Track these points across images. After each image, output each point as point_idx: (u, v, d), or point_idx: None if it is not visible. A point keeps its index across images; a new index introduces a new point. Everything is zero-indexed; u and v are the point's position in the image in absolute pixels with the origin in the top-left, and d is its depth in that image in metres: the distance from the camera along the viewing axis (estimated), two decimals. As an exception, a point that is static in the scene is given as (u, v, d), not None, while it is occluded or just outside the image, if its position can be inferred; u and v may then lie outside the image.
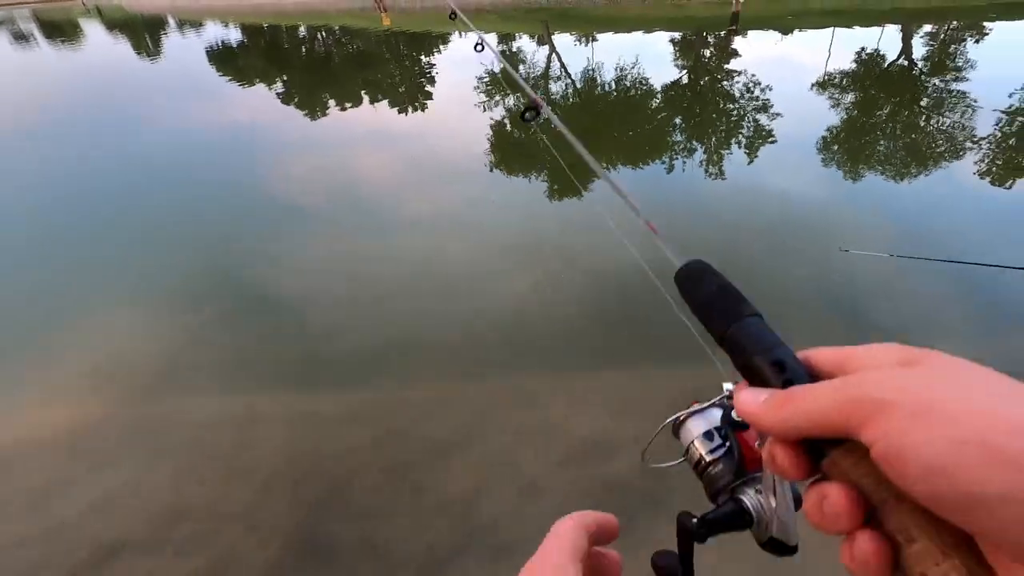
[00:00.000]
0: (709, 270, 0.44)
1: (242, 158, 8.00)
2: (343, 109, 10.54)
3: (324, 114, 10.32)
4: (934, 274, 3.97)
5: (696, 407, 0.51)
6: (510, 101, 10.66)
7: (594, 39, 16.59)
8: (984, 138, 6.99)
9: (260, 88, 12.63)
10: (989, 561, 0.25)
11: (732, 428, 0.47)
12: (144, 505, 2.66)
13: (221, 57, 17.63)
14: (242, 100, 11.74)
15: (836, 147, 7.33)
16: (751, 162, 7.02)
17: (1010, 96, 8.42)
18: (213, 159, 7.95)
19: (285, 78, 13.82)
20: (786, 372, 0.35)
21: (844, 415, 0.28)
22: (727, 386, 0.48)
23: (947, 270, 3.86)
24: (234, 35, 22.45)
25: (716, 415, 0.50)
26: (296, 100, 11.61)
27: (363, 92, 11.94)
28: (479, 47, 2.48)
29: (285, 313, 4.13)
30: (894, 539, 0.28)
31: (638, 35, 16.68)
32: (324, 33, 21.64)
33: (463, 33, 19.18)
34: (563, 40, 16.76)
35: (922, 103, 9.07)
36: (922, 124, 7.99)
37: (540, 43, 16.62)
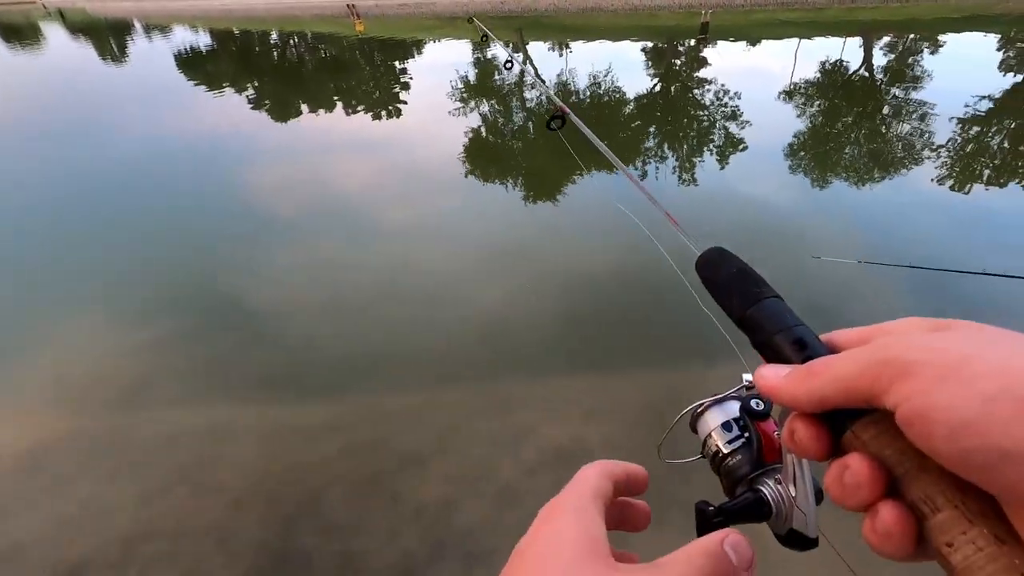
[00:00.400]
0: (728, 255, 0.45)
1: (214, 167, 7.84)
2: (317, 115, 10.44)
3: (298, 121, 10.20)
4: (901, 279, 4.12)
5: (713, 398, 0.50)
6: (484, 108, 10.70)
7: (568, 48, 16.78)
8: (943, 145, 7.27)
9: (231, 94, 12.41)
10: (1014, 525, 0.25)
11: (751, 417, 0.46)
12: (108, 522, 2.57)
13: (190, 63, 17.28)
14: (213, 107, 11.52)
15: (803, 154, 7.54)
16: (722, 168, 7.17)
17: (966, 107, 8.79)
18: (184, 168, 7.77)
19: (256, 84, 13.62)
20: (807, 349, 0.34)
21: (869, 379, 0.27)
22: (746, 377, 0.48)
23: (913, 275, 4.00)
24: (203, 40, 22.04)
25: (734, 407, 0.48)
26: (268, 107, 11.45)
27: (337, 99, 11.84)
28: (509, 64, 2.55)
29: (258, 323, 4.05)
30: (918, 509, 0.28)
31: (610, 44, 16.92)
32: (296, 39, 21.41)
33: (437, 39, 19.21)
34: (537, 48, 16.91)
35: (884, 112, 9.40)
36: (885, 131, 8.27)
37: (514, 51, 16.73)
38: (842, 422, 0.31)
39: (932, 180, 6.30)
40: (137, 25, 29.62)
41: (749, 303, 0.39)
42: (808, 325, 0.37)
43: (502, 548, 2.38)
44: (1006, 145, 7.47)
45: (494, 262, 4.81)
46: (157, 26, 28.31)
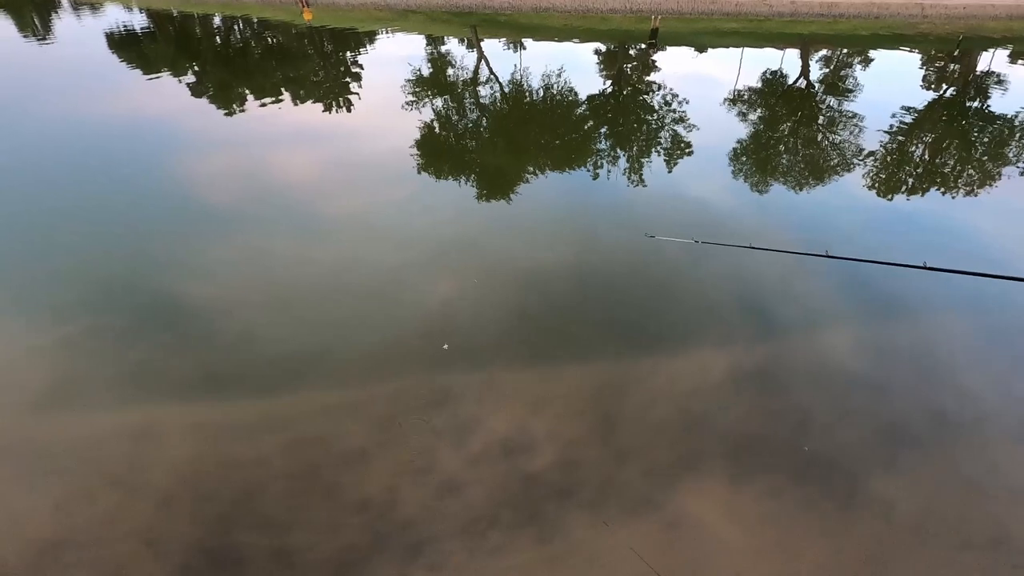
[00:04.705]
0: None
1: (150, 155, 7.43)
2: (262, 105, 10.06)
3: (242, 109, 9.79)
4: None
5: None
6: (438, 103, 10.60)
7: (522, 46, 16.84)
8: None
9: (168, 79, 11.79)
10: None
11: None
12: (24, 530, 2.41)
13: (124, 43, 16.29)
14: (149, 92, 10.90)
15: (745, 159, 7.87)
16: (670, 171, 7.38)
17: (892, 116, 9.40)
18: (117, 156, 7.32)
19: (197, 69, 12.99)
20: None
21: None
22: None
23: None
24: (139, 20, 20.81)
25: None
26: (210, 94, 10.94)
27: (283, 88, 11.44)
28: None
29: (195, 320, 3.88)
30: None
31: (564, 44, 17.10)
32: (241, 24, 20.55)
33: (390, 31, 18.87)
34: (492, 45, 16.88)
35: (819, 121, 9.93)
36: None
37: (469, 47, 16.65)
38: None
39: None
40: (64, 1, 27.64)
41: None
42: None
43: (443, 538, 2.39)
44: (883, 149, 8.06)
45: (443, 257, 4.78)
46: (87, 3, 26.52)
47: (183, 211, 5.65)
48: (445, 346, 3.53)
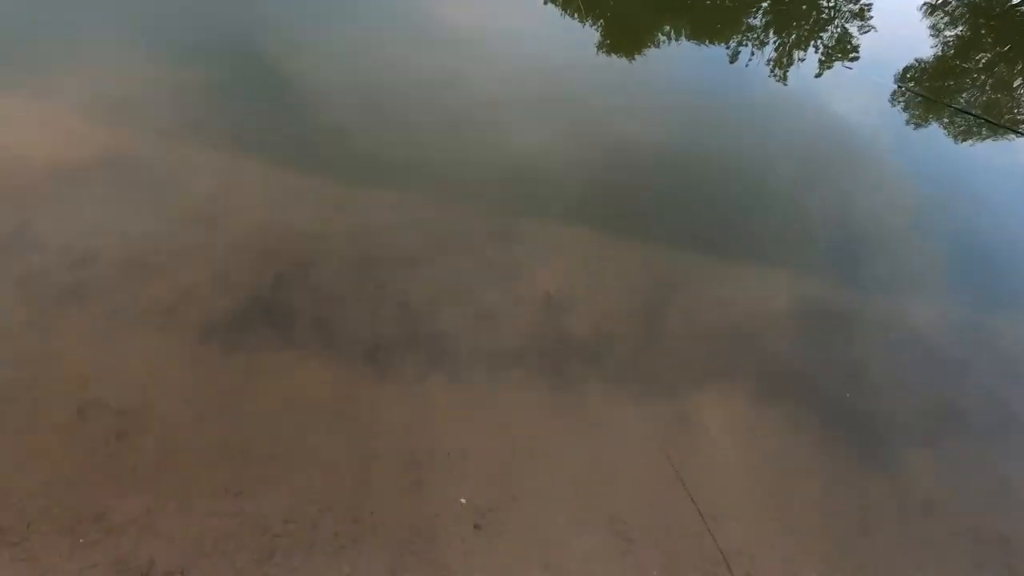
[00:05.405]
0: None
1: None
2: None
3: None
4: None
5: None
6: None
7: None
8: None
9: None
10: None
11: None
12: (119, 226, 2.71)
13: None
14: None
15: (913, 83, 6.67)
16: (819, 74, 6.39)
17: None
18: None
19: None
20: None
21: None
22: None
23: None
24: None
25: None
26: None
27: None
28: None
29: (295, 91, 3.93)
30: None
31: None
32: None
33: None
34: None
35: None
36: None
37: None
38: None
39: None
40: None
41: None
42: None
43: (469, 359, 2.54)
44: None
45: (546, 101, 4.50)
46: None
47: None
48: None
